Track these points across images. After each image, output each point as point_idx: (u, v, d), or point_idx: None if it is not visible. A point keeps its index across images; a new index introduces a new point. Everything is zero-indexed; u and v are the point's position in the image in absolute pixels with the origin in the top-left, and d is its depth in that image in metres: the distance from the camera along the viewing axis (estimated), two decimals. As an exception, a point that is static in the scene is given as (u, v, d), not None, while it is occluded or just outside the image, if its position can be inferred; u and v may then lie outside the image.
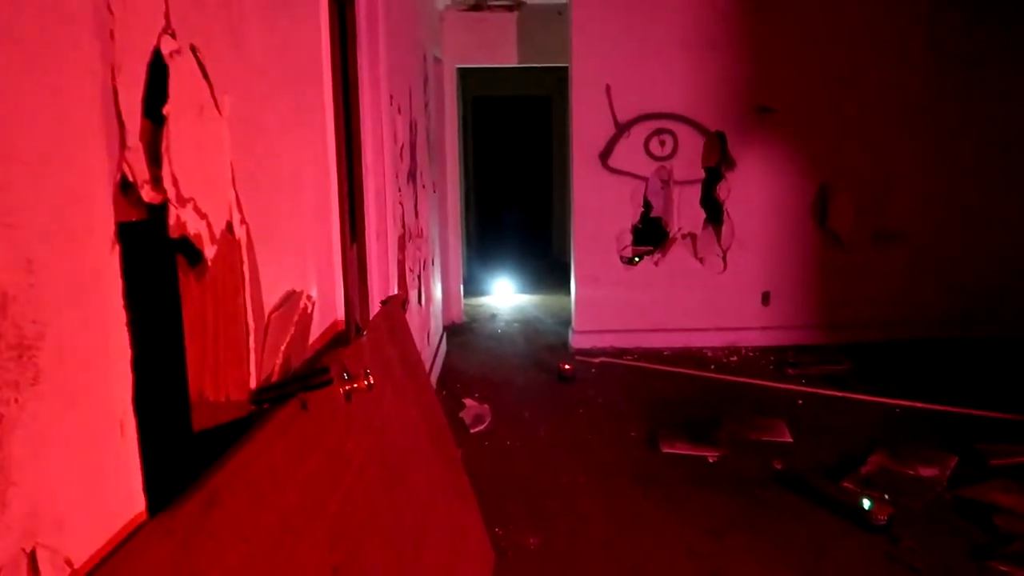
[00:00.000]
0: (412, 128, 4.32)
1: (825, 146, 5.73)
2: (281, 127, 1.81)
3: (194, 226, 1.30)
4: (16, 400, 0.80)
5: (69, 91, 0.94)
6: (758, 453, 3.89)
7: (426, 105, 5.13)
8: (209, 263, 1.37)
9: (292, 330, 1.82)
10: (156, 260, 1.31)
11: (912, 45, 5.63)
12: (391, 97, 3.43)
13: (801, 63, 5.62)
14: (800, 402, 4.66)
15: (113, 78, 1.05)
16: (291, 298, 1.83)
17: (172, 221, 1.22)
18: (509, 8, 6.34)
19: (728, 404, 4.62)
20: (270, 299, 1.67)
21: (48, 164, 0.89)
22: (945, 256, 5.85)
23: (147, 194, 1.14)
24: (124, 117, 1.07)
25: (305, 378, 1.62)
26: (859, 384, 4.86)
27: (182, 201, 1.24)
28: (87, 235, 0.97)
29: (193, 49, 1.29)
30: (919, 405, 4.47)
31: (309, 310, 1.97)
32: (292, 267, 1.88)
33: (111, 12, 1.03)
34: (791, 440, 4.03)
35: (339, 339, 2.24)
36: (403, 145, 3.93)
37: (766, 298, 5.89)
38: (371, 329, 2.43)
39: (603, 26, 5.59)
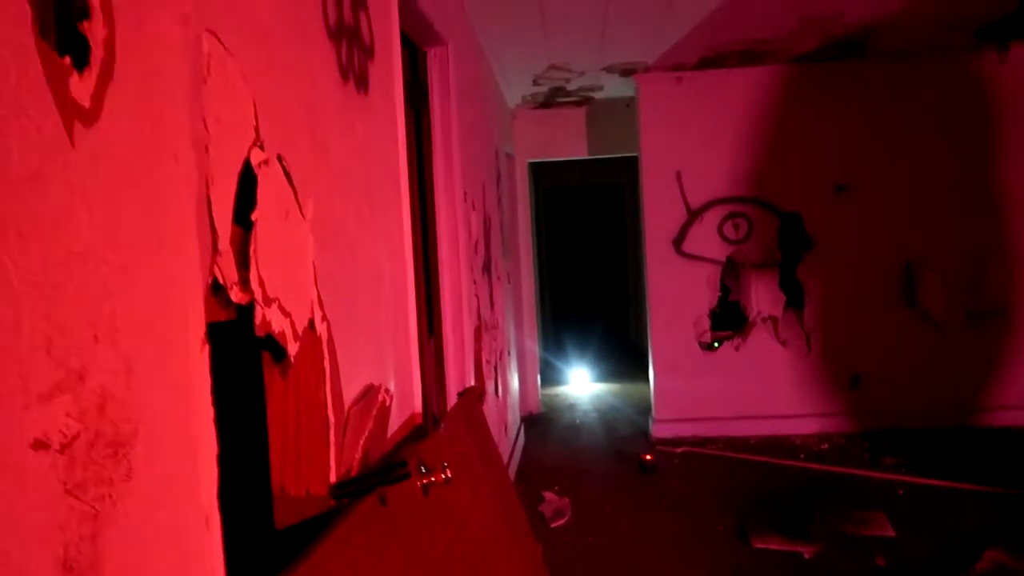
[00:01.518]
0: (486, 222, 4.43)
1: (909, 222, 5.56)
2: (360, 226, 1.89)
3: (279, 324, 1.35)
4: (110, 496, 0.84)
5: (168, 202, 1.01)
6: (858, 548, 3.64)
7: (499, 200, 5.27)
8: (292, 359, 1.42)
9: (371, 424, 1.84)
10: (243, 357, 1.37)
11: (998, 118, 5.50)
12: (465, 194, 3.54)
13: (879, 138, 5.54)
14: (901, 492, 4.38)
15: (207, 188, 1.12)
16: (370, 392, 1.87)
17: (258, 320, 1.28)
18: (578, 103, 6.53)
19: (822, 495, 4.38)
20: (350, 393, 1.71)
21: (148, 271, 0.95)
22: (1049, 333, 5.51)
23: (236, 295, 1.20)
24: (216, 224, 1.15)
25: (383, 472, 1.63)
26: (967, 472, 4.55)
27: (268, 301, 1.30)
28: (180, 336, 1.03)
29: (279, 158, 1.38)
30: (1036, 495, 4.14)
31: (387, 404, 2.00)
32: (371, 361, 1.93)
33: (207, 129, 1.12)
34: (894, 534, 3.77)
35: (417, 432, 2.25)
36: (477, 239, 4.03)
37: (855, 381, 5.65)
38: (448, 422, 2.44)
39: (671, 114, 5.68)
